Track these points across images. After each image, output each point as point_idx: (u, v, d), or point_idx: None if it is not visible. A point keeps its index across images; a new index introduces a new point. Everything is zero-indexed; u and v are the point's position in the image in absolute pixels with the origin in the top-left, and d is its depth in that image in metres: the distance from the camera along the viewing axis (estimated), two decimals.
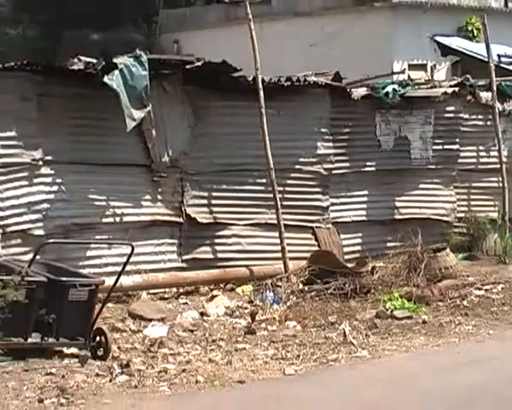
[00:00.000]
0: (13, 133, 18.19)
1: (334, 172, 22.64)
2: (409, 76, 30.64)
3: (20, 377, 13.43)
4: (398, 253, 21.00)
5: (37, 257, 14.89)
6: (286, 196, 21.18)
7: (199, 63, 20.09)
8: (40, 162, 18.56)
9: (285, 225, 20.34)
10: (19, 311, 13.65)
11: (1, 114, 18.08)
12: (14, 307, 13.50)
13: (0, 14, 41.61)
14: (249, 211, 21.36)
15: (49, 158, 18.68)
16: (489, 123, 24.88)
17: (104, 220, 19.46)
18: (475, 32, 42.15)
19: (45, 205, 18.56)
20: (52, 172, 18.72)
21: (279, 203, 20.20)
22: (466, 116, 24.99)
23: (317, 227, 21.92)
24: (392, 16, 39.07)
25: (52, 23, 34.65)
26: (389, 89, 23.02)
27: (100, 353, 14.52)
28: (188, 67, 20.27)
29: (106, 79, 18.58)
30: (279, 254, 20.07)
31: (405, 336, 16.41)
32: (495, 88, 24.28)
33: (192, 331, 16.63)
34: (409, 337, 16.31)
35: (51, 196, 18.70)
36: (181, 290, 19.87)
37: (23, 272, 14.16)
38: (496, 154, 24.39)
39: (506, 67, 30.98)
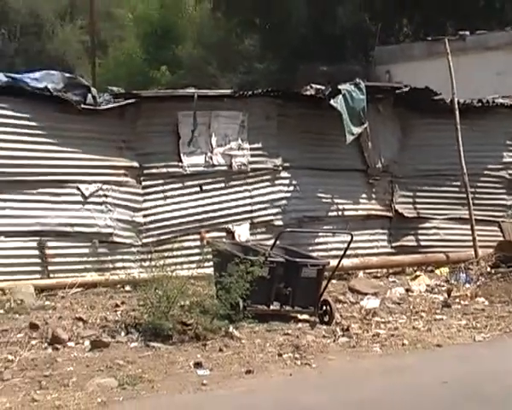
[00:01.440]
0: (260, 145, 18.63)
1: None
2: None
3: (264, 335, 13.78)
4: None
5: (277, 242, 15.23)
6: (476, 195, 20.91)
7: (406, 89, 20.20)
8: (280, 168, 18.96)
9: (476, 219, 20.11)
10: (263, 284, 14.06)
11: (252, 130, 18.55)
12: (259, 281, 13.85)
13: (251, 52, 42.19)
14: (446, 207, 21.21)
15: (286, 164, 19.06)
16: None
17: (329, 214, 19.72)
18: None
19: (284, 201, 18.97)
20: (289, 175, 19.09)
21: (471, 202, 20.12)
22: None
23: (502, 221, 21.69)
24: None
25: (290, 58, 35.09)
26: None
27: (326, 319, 14.71)
28: (397, 92, 20.44)
29: (332, 102, 18.84)
30: (470, 243, 19.81)
31: None
32: None
33: (399, 304, 16.59)
34: None
35: (288, 195, 19.10)
36: (390, 271, 19.86)
37: (266, 254, 14.57)
38: None
39: None
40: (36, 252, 16.15)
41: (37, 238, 16.16)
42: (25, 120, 16.27)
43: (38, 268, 16.13)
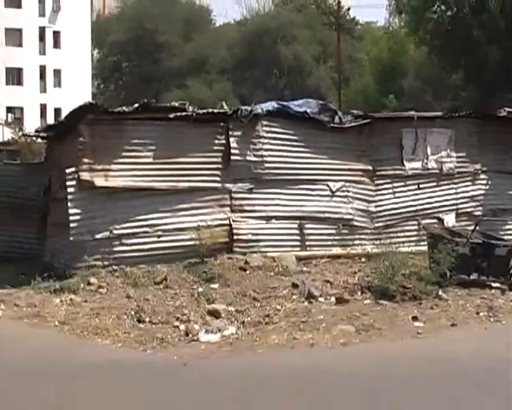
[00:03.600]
0: (463, 154, 18.11)
1: None
2: None
3: (465, 298, 13.52)
4: None
5: (477, 228, 14.89)
6: None
7: None
8: (479, 171, 18.35)
9: None
10: (465, 259, 13.85)
11: (457, 143, 18.03)
12: (462, 257, 13.70)
13: (457, 83, 41.41)
14: None
15: (484, 169, 18.40)
16: None
17: None
18: None
19: (481, 197, 18.36)
20: (486, 177, 18.44)
21: None
22: None
23: None
24: None
25: (487, 89, 33.95)
26: None
27: None
28: None
29: None
30: None
31: None
32: None
33: None
34: None
35: (485, 192, 18.42)
36: None
37: (468, 236, 14.37)
38: None
39: None
40: (297, 231, 16.31)
41: (298, 221, 16.32)
42: (290, 135, 16.47)
43: (299, 243, 16.28)
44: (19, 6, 73.81)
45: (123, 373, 9.93)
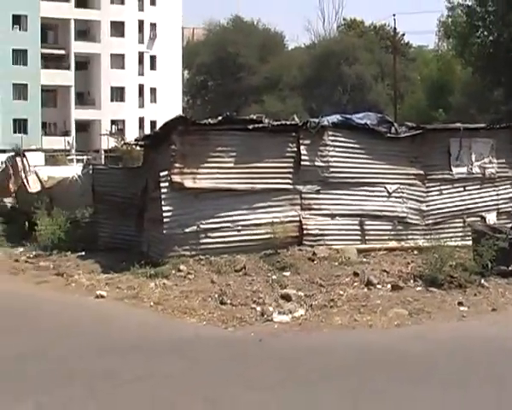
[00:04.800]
0: (503, 160, 17.58)
1: None
2: None
3: (505, 286, 13.16)
4: None
5: None
6: None
7: None
8: None
9: None
10: (504, 253, 13.46)
11: (498, 151, 17.51)
12: (502, 250, 13.36)
13: (498, 99, 41.02)
14: None
15: None
16: None
17: None
18: None
19: None
20: None
21: None
22: None
23: None
24: None
25: None
26: None
27: None
28: None
29: None
30: None
31: None
32: None
33: None
34: None
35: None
36: None
37: (507, 232, 14.04)
38: None
39: None
40: (358, 227, 16.14)
41: (359, 218, 16.15)
42: (352, 144, 16.31)
43: (359, 237, 16.10)
44: (122, 35, 75.34)
45: (208, 347, 10.02)
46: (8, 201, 23.73)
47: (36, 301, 13.17)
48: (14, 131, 66.65)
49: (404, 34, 76.75)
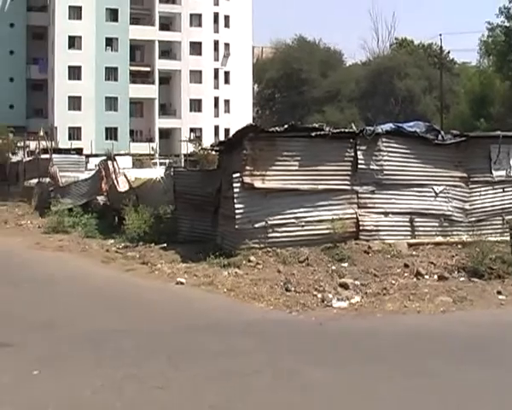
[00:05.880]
0: None
1: None
2: None
3: None
4: None
5: None
6: None
7: None
8: None
9: None
10: None
11: None
12: None
13: None
14: None
15: None
16: None
17: None
18: None
19: None
20: None
21: None
22: None
23: None
24: None
25: None
26: None
27: None
28: None
29: None
30: None
31: None
32: None
33: None
34: None
35: None
36: None
37: None
38: None
39: None
40: (408, 224, 15.94)
41: (409, 216, 15.96)
42: (403, 149, 16.11)
43: (409, 233, 15.87)
44: (200, 54, 76.18)
45: (275, 328, 10.08)
46: (101, 198, 24.25)
47: (125, 285, 13.46)
48: (106, 138, 68.33)
49: (449, 52, 75.90)
